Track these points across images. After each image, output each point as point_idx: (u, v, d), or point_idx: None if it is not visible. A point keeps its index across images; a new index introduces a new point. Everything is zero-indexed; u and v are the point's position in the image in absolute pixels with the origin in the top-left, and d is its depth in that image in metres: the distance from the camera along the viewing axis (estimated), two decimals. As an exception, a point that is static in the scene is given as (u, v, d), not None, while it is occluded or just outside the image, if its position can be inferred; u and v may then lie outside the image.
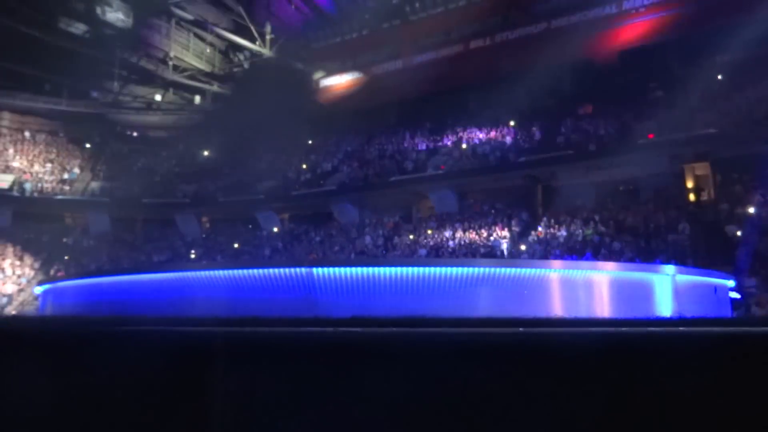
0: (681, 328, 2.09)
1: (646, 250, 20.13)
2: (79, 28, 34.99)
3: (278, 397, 1.86)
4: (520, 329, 2.05)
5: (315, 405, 1.82)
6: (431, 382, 1.76)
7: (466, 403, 1.73)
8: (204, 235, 35.69)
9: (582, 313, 10.92)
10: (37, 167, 35.38)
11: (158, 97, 41.19)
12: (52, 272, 28.52)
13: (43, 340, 2.32)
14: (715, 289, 14.20)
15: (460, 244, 25.16)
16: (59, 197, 33.70)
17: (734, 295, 15.47)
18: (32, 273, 29.03)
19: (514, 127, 31.05)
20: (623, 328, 2.15)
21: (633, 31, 27.10)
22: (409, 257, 24.36)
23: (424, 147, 32.59)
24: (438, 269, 10.89)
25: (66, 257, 30.90)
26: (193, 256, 31.83)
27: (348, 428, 1.76)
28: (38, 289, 18.90)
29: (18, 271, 28.93)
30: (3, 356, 2.26)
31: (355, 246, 28.15)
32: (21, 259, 29.92)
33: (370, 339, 1.93)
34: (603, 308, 11.37)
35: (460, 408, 1.73)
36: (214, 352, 1.98)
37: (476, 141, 31.01)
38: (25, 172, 34.45)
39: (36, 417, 2.07)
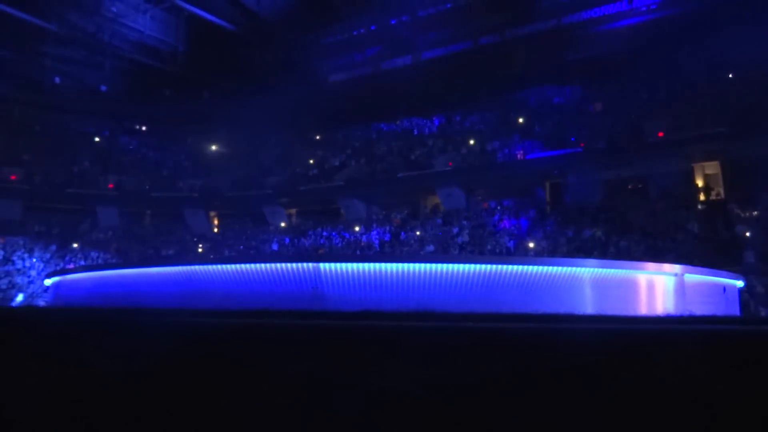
0: (685, 326, 2.11)
1: (654, 249, 20.01)
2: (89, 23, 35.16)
3: (288, 387, 1.90)
4: (528, 324, 2.08)
5: (325, 395, 1.86)
6: (438, 374, 1.79)
7: (473, 394, 1.75)
8: (212, 230, 35.84)
9: (588, 310, 10.90)
10: (47, 160, 35.60)
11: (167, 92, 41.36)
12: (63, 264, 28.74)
13: (50, 330, 2.37)
14: (724, 288, 14.15)
15: (467, 240, 25.11)
16: (69, 190, 33.91)
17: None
18: (42, 265, 29.26)
19: (522, 123, 30.94)
20: (627, 325, 2.18)
21: (643, 28, 26.88)
22: (416, 253, 24.35)
23: (432, 143, 32.52)
24: (444, 266, 10.92)
25: (75, 249, 31.13)
26: (200, 250, 31.96)
27: (357, 417, 1.79)
28: (48, 281, 19.13)
29: (28, 263, 29.17)
30: (11, 345, 2.31)
31: (362, 241, 28.18)
32: (31, 251, 30.17)
33: (379, 332, 1.96)
34: (611, 306, 11.35)
35: (467, 399, 1.76)
36: (223, 343, 2.02)
37: (485, 137, 30.91)
38: (35, 165, 34.68)
39: (42, 404, 2.12)
